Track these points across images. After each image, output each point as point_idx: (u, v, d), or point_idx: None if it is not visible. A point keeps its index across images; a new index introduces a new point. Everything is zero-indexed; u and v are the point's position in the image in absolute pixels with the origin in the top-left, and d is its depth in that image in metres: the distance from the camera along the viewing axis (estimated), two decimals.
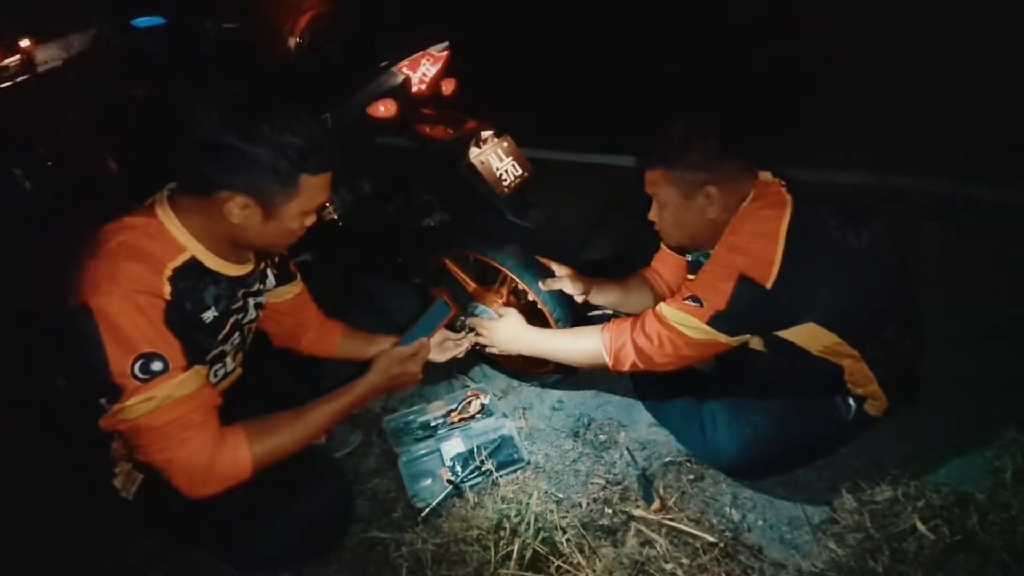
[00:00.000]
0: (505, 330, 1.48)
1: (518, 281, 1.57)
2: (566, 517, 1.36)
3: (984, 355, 1.79)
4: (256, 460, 1.04)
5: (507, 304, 1.65)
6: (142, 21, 2.24)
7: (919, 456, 1.49)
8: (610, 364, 1.32)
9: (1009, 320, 1.94)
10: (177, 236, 1.03)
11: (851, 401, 1.37)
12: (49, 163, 2.75)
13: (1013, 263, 2.21)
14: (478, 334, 1.53)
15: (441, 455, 1.53)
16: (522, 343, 1.46)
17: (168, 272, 1.00)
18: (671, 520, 1.34)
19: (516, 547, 1.28)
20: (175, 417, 0.97)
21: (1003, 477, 1.40)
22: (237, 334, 1.17)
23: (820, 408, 1.37)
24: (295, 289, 1.36)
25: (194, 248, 1.04)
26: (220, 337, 1.11)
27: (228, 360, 1.17)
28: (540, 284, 1.52)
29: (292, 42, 1.81)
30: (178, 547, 1.34)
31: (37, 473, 1.53)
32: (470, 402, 1.68)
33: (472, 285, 1.72)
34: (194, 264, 1.04)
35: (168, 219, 1.03)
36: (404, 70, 1.66)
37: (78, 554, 1.38)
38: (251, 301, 1.20)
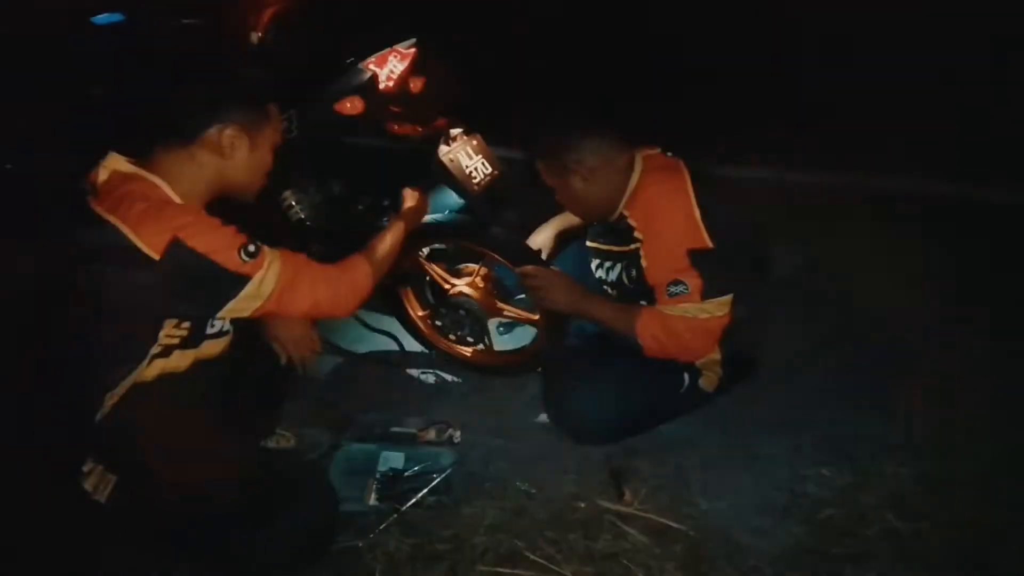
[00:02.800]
0: (564, 281, 1.48)
1: (503, 264, 1.56)
2: (541, 512, 1.37)
3: (950, 345, 1.86)
4: (374, 268, 1.28)
5: (484, 292, 1.65)
6: (101, 18, 2.17)
7: (881, 441, 1.54)
8: (645, 351, 1.39)
9: (979, 312, 2.01)
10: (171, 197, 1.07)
11: (685, 375, 1.45)
12: (8, 165, 2.66)
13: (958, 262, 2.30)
14: (531, 286, 1.49)
15: (378, 463, 1.48)
16: (575, 298, 1.47)
17: None
18: (642, 511, 1.36)
19: (491, 543, 1.29)
20: (297, 269, 1.12)
21: (966, 468, 1.45)
22: None
23: (659, 378, 1.45)
24: None
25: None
26: None
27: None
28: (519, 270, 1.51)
29: (254, 37, 1.77)
30: (153, 554, 1.27)
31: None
32: (444, 429, 1.61)
33: (448, 281, 1.71)
34: None
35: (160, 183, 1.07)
36: (371, 66, 1.64)
37: (52, 562, 1.29)
38: None
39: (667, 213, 1.34)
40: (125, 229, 0.97)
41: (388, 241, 1.37)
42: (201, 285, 1.02)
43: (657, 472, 1.48)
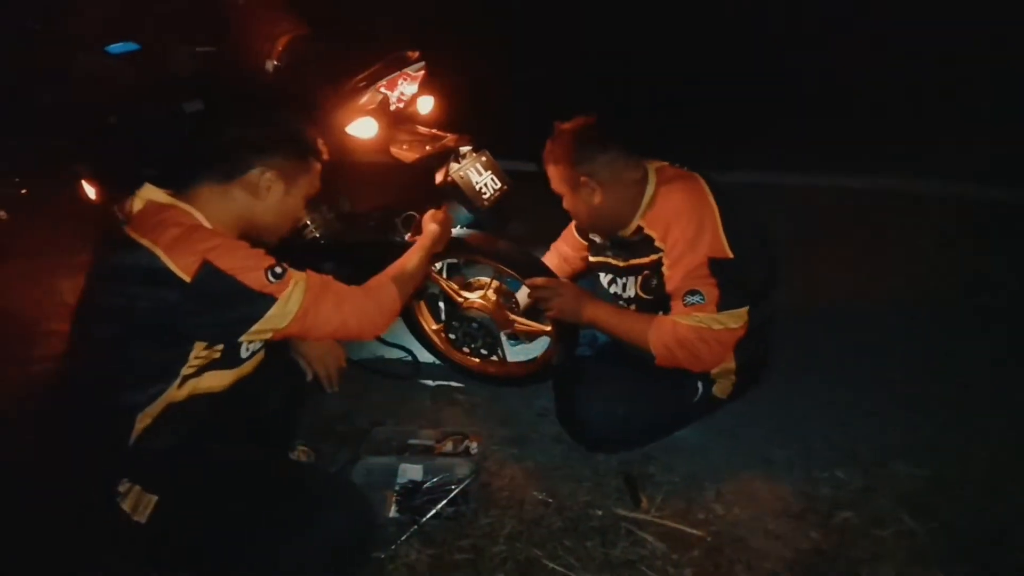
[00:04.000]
0: (573, 291, 1.48)
1: (513, 279, 1.59)
2: (557, 520, 1.38)
3: (956, 346, 1.87)
4: (400, 288, 1.28)
5: (496, 304, 1.69)
6: (116, 47, 2.23)
7: (893, 445, 1.55)
8: (656, 360, 1.38)
9: (991, 315, 2.02)
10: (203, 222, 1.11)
11: (699, 383, 1.45)
12: (24, 191, 2.72)
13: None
14: (541, 297, 1.50)
15: (396, 476, 1.49)
16: (584, 307, 1.46)
17: None
18: (659, 518, 1.38)
19: (509, 552, 1.30)
20: (323, 290, 1.14)
21: (976, 468, 1.47)
22: None
23: (671, 388, 1.46)
24: None
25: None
26: None
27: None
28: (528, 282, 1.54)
29: (269, 65, 1.83)
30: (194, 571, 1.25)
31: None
32: (460, 440, 1.63)
33: (460, 295, 1.75)
34: None
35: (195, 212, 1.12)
36: (382, 90, 1.70)
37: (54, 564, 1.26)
38: None
39: (689, 222, 1.33)
40: (158, 252, 1.00)
41: (414, 262, 1.37)
42: (229, 306, 1.04)
43: (672, 478, 1.49)
